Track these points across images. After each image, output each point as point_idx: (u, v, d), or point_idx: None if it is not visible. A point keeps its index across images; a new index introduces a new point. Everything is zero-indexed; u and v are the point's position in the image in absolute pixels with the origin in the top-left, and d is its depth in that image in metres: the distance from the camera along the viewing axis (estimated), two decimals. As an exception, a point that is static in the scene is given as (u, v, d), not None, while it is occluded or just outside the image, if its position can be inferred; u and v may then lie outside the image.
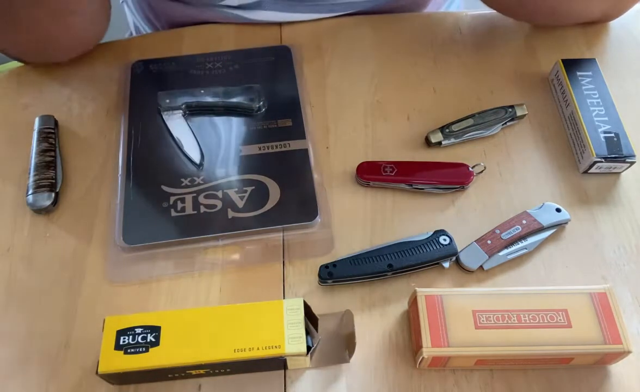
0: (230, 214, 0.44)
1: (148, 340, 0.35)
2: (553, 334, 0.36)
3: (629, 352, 0.36)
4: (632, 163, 0.46)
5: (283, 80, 0.54)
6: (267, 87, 0.52)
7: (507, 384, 0.38)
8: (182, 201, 0.45)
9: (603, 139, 0.46)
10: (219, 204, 0.45)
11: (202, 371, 0.37)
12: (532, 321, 0.37)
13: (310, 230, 0.44)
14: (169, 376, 0.37)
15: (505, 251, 0.43)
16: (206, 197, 0.45)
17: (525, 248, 0.43)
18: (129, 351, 0.35)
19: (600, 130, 0.47)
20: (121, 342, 0.35)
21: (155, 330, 0.36)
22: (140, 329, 0.36)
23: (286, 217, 0.44)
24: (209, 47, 0.57)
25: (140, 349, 0.35)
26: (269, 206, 0.45)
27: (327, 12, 0.58)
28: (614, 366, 0.38)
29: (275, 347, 0.35)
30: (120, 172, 0.47)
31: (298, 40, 0.57)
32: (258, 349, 0.35)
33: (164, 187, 0.46)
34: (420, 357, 0.36)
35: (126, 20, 0.73)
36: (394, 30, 0.58)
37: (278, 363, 0.37)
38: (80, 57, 0.56)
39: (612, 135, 0.47)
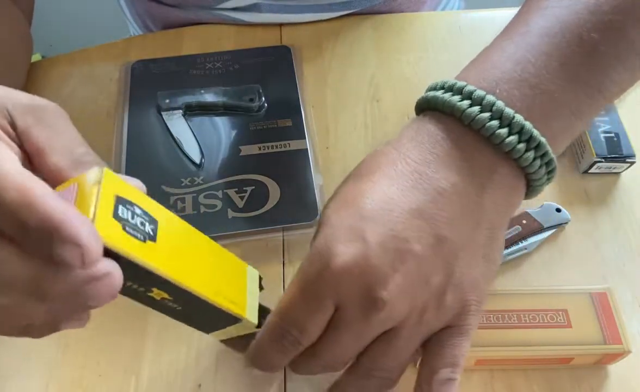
0: (230, 214, 0.44)
1: (146, 230, 0.27)
2: (553, 334, 0.36)
3: (629, 352, 0.36)
4: (632, 163, 0.46)
5: (283, 80, 0.54)
6: (267, 87, 0.52)
7: (507, 384, 0.38)
8: (182, 200, 0.45)
9: (603, 139, 0.46)
10: (219, 204, 0.45)
11: (166, 296, 0.29)
12: (532, 321, 0.37)
13: (310, 230, 0.44)
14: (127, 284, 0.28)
15: (505, 251, 0.43)
16: (206, 197, 0.45)
17: (525, 248, 0.43)
18: (127, 229, 0.26)
19: (600, 130, 0.47)
20: (120, 213, 0.26)
21: (153, 223, 0.28)
22: (140, 211, 0.27)
23: (286, 217, 0.44)
24: (209, 47, 0.57)
25: (139, 236, 0.27)
26: (269, 206, 0.45)
27: (325, 12, 0.58)
28: (614, 366, 0.38)
29: (239, 306, 0.32)
30: (120, 172, 0.47)
31: (298, 40, 0.57)
32: (228, 300, 0.31)
33: (164, 187, 0.46)
34: (420, 358, 0.36)
35: (126, 21, 0.73)
36: (394, 30, 0.58)
37: (229, 321, 0.33)
38: (80, 57, 0.56)
39: (612, 135, 0.47)
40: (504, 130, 0.30)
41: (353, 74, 0.55)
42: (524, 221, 0.44)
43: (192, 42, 0.58)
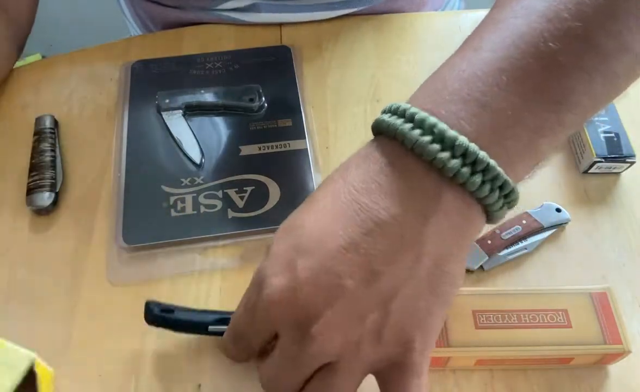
0: (230, 214, 0.44)
1: None
2: (553, 334, 0.36)
3: (629, 352, 0.36)
4: (632, 163, 0.46)
5: (283, 80, 0.54)
6: (267, 87, 0.52)
7: (507, 384, 0.38)
8: (182, 200, 0.45)
9: (603, 139, 0.46)
10: (219, 204, 0.45)
11: None
12: (532, 321, 0.37)
13: (310, 230, 0.44)
14: None
15: (505, 251, 0.43)
16: (206, 197, 0.45)
17: (525, 248, 0.43)
18: None
19: (600, 130, 0.47)
20: None
21: None
22: None
23: (286, 217, 0.44)
24: (209, 47, 0.57)
25: None
26: (269, 206, 0.45)
27: (324, 11, 0.58)
28: (614, 366, 0.38)
29: None
30: (120, 172, 0.47)
31: (298, 40, 0.57)
32: None
33: (164, 187, 0.46)
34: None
35: (126, 21, 0.73)
36: (394, 31, 0.58)
37: None
38: (80, 57, 0.56)
39: (612, 135, 0.47)
40: (446, 154, 0.28)
41: (353, 74, 0.55)
42: (524, 221, 0.44)
43: (192, 42, 0.58)
